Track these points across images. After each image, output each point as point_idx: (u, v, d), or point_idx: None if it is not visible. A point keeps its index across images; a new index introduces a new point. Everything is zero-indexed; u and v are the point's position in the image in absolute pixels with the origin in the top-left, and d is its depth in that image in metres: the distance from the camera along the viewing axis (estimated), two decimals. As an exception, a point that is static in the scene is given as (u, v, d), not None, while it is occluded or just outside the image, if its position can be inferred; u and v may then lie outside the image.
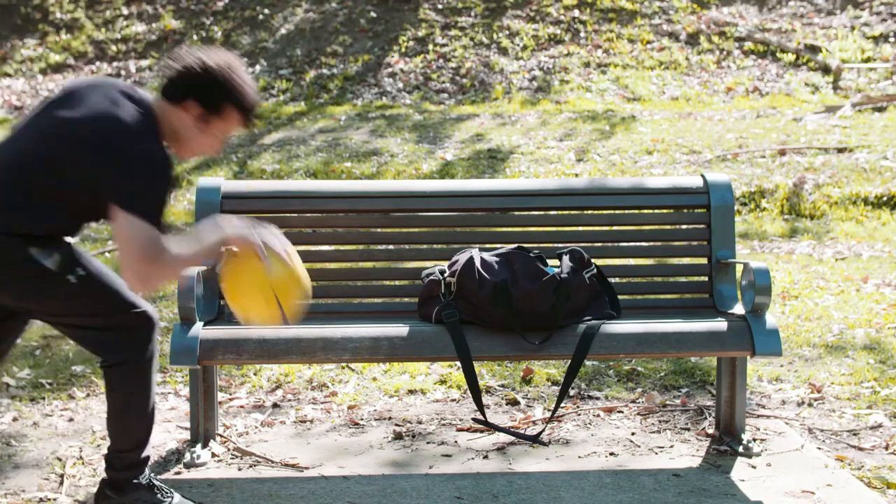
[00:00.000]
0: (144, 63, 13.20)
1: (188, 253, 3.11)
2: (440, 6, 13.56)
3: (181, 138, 3.24)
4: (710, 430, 4.12)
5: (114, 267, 3.36)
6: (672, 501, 3.46)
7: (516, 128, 10.55)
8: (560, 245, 4.04)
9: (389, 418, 4.35)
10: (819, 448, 3.97)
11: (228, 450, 3.96)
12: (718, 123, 10.39)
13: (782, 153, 9.21)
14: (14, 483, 3.77)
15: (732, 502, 3.46)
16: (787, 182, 8.40)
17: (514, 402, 4.56)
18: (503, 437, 4.06)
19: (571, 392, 4.63)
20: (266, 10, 13.85)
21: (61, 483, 3.77)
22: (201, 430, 3.95)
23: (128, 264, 3.02)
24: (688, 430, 4.18)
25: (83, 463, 3.95)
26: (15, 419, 4.42)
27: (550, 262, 3.91)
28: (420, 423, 4.30)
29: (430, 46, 12.86)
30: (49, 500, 3.62)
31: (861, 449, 3.97)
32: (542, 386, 4.76)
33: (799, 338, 5.28)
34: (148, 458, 3.40)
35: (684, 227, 4.17)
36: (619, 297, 3.92)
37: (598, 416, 4.36)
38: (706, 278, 4.06)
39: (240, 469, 3.79)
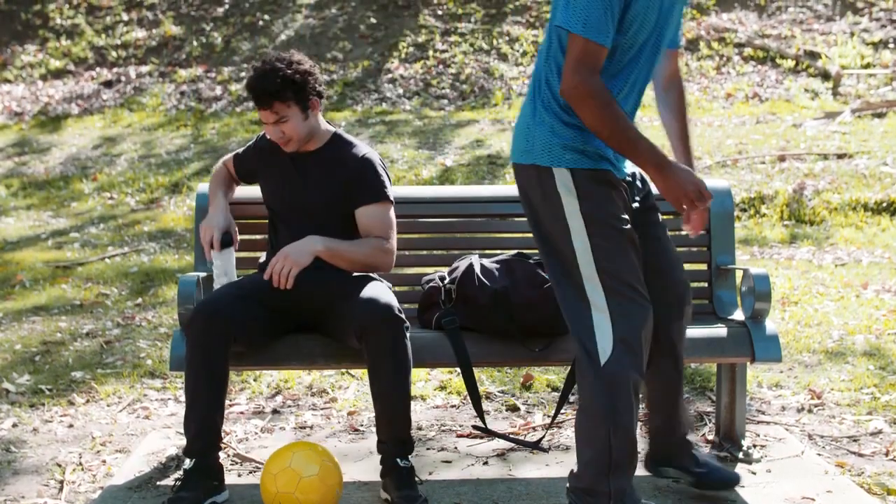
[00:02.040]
0: (144, 69, 13.21)
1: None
2: (440, 12, 13.58)
3: None
4: (710, 436, 4.11)
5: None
6: (672, 508, 3.47)
7: (516, 134, 10.54)
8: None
9: (389, 424, 4.34)
10: (819, 454, 3.97)
11: (228, 456, 3.96)
12: (718, 129, 10.40)
13: (782, 159, 9.21)
14: (13, 489, 3.77)
15: (732, 508, 3.46)
16: (787, 188, 8.41)
17: (514, 409, 4.56)
18: (503, 444, 4.06)
19: (571, 398, 4.63)
20: (266, 17, 13.87)
21: (61, 489, 3.76)
22: (201, 436, 3.94)
23: None
24: (688, 436, 4.18)
25: (83, 469, 3.94)
26: (14, 425, 4.42)
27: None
28: (420, 429, 4.29)
29: (430, 52, 12.87)
30: (48, 506, 3.62)
31: (861, 455, 3.96)
32: (542, 392, 4.76)
33: (799, 344, 5.28)
34: (191, 445, 3.44)
35: (684, 232, 4.17)
36: (619, 303, 3.91)
37: (598, 422, 4.35)
38: (706, 284, 4.06)
39: (239, 475, 3.79)
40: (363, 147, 3.76)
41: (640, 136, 2.87)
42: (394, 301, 3.46)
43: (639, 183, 3.29)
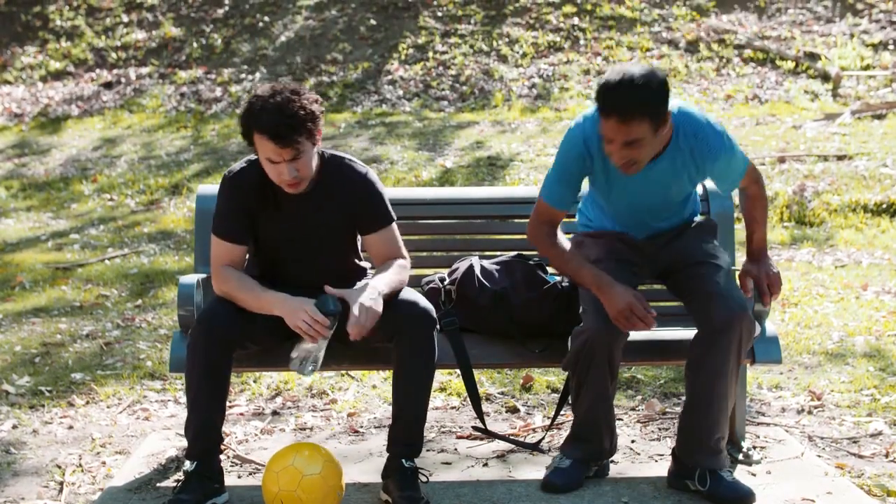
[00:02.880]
0: (144, 70, 13.21)
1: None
2: (440, 14, 13.58)
3: None
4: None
5: None
6: (672, 509, 3.46)
7: (516, 135, 10.55)
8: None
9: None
10: (819, 456, 3.97)
11: (228, 457, 3.96)
12: (718, 131, 10.39)
13: (782, 161, 9.21)
14: (13, 491, 3.77)
15: (732, 510, 3.45)
16: (787, 189, 8.41)
17: (514, 410, 4.56)
18: (503, 445, 4.05)
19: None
20: (266, 18, 13.87)
21: (60, 491, 3.76)
22: (201, 437, 3.93)
23: None
24: (688, 437, 4.17)
25: (82, 470, 3.94)
26: (14, 427, 4.42)
27: (550, 269, 3.91)
28: (420, 430, 4.29)
29: (430, 54, 12.87)
30: (48, 507, 3.62)
31: (861, 456, 3.96)
32: (541, 393, 4.76)
33: (799, 345, 5.28)
34: (191, 448, 3.44)
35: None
36: (619, 304, 3.91)
37: (598, 423, 4.35)
38: (706, 286, 4.05)
39: (239, 477, 3.79)
40: (356, 165, 3.63)
41: (581, 266, 3.53)
42: (430, 305, 3.50)
43: (675, 242, 3.71)
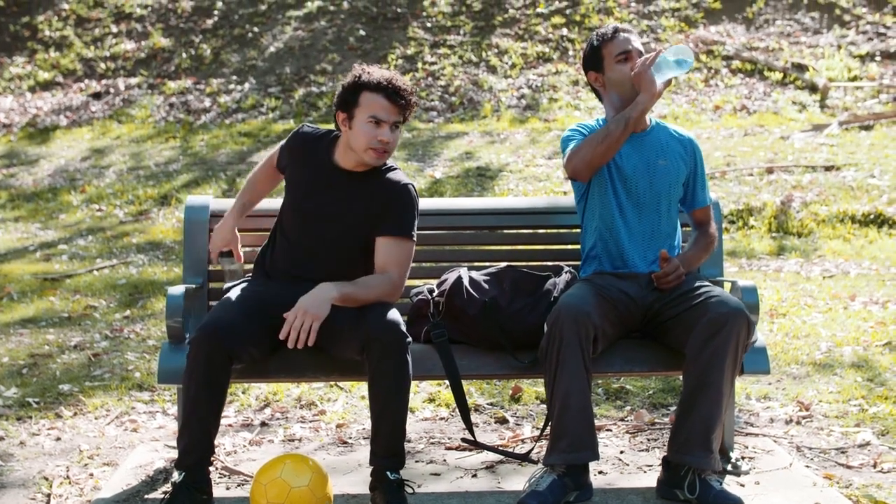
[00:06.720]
0: (133, 81, 13.20)
1: None
2: (429, 24, 13.60)
3: (346, 145, 3.67)
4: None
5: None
6: (661, 520, 3.47)
7: (505, 146, 10.57)
8: (549, 264, 4.05)
9: (378, 437, 4.33)
10: (807, 466, 3.97)
11: (216, 469, 3.95)
12: (706, 142, 10.43)
13: (770, 171, 9.25)
14: (0, 503, 3.75)
15: (721, 521, 3.45)
16: (775, 200, 8.43)
17: (503, 421, 4.56)
18: (492, 456, 4.05)
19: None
20: (255, 29, 13.87)
21: (48, 503, 3.75)
22: (189, 449, 3.92)
23: None
24: (676, 448, 4.17)
25: (70, 482, 3.93)
26: (1, 438, 4.40)
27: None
28: (408, 441, 4.28)
29: (419, 64, 12.89)
30: (35, 520, 3.60)
31: (849, 467, 3.97)
32: (530, 404, 4.76)
33: (787, 356, 5.29)
34: (182, 459, 3.44)
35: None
36: (608, 315, 3.91)
37: (587, 434, 4.35)
38: (694, 296, 4.06)
39: (228, 488, 3.78)
40: (401, 174, 3.70)
41: (613, 119, 3.78)
42: (399, 317, 3.48)
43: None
